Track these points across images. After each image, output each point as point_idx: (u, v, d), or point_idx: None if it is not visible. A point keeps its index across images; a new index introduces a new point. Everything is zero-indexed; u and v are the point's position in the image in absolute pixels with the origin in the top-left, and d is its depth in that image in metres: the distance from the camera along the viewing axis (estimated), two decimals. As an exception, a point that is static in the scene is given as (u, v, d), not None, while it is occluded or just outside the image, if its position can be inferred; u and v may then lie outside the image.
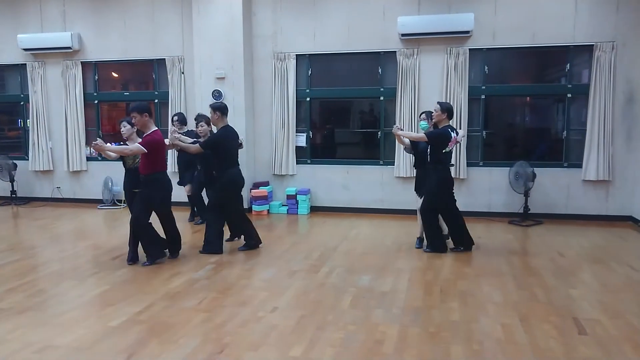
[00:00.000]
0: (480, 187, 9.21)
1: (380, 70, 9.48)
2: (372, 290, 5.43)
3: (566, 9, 8.62)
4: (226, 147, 6.74)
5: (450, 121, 6.78)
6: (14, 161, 10.85)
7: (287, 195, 9.77)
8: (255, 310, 4.88)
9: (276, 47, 9.74)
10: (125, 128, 6.29)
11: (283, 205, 9.83)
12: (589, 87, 8.66)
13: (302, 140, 9.92)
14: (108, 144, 6.40)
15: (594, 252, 7.01)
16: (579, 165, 8.82)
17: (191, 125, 8.60)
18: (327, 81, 9.93)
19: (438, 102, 6.82)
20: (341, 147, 10.43)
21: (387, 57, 9.41)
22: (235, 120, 8.98)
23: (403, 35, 9.03)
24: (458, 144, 7.12)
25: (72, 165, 10.84)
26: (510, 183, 8.73)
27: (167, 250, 6.65)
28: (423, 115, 7.12)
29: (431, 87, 9.12)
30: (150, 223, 6.33)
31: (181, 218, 8.53)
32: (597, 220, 8.75)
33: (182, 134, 8.10)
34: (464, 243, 6.93)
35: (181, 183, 8.73)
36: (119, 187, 10.29)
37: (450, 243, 7.05)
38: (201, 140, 7.07)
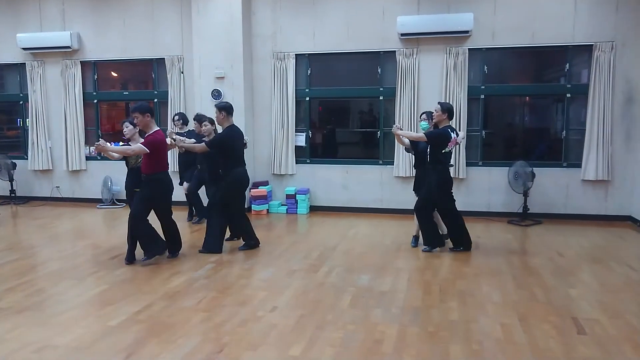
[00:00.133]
0: (480, 187, 9.21)
1: (379, 70, 9.47)
2: (371, 290, 5.43)
3: (566, 8, 8.62)
4: (232, 146, 6.74)
5: (450, 121, 6.78)
6: (13, 160, 10.84)
7: (286, 194, 9.77)
8: (255, 309, 4.88)
9: (276, 46, 9.74)
10: (127, 128, 6.30)
11: (282, 205, 9.83)
12: (588, 87, 8.66)
13: (301, 140, 9.91)
14: (110, 145, 6.41)
15: (593, 252, 7.02)
16: (578, 165, 8.82)
17: (191, 125, 8.61)
18: (326, 81, 9.94)
19: (439, 103, 6.82)
20: (341, 146, 10.43)
21: (386, 57, 9.41)
22: (235, 119, 8.86)
23: (402, 35, 9.03)
24: (457, 145, 7.10)
25: (71, 165, 10.83)
26: (509, 183, 8.73)
27: (168, 249, 6.65)
28: (423, 116, 7.12)
29: (430, 87, 9.12)
30: (148, 220, 6.33)
31: (181, 217, 8.55)
32: (596, 220, 8.75)
33: (183, 134, 8.12)
34: (464, 243, 6.93)
35: (182, 183, 8.73)
36: (118, 186, 10.29)
37: (449, 243, 7.04)
38: (205, 139, 7.08)
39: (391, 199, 9.51)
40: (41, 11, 10.66)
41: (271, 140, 9.88)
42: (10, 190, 10.81)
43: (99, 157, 10.60)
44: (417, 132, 7.83)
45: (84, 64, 10.69)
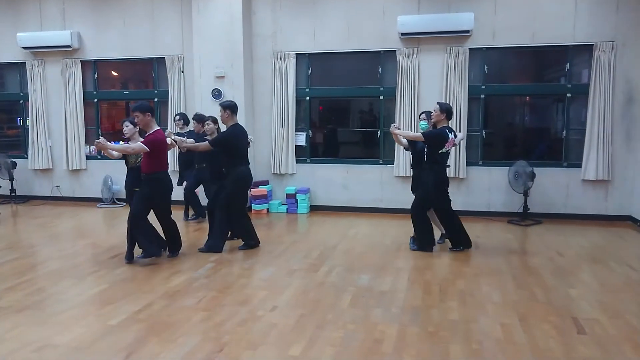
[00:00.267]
0: (480, 187, 9.21)
1: (380, 70, 9.47)
2: (371, 290, 5.43)
3: (566, 8, 8.62)
4: (236, 144, 6.74)
5: (450, 122, 6.77)
6: (14, 160, 10.84)
7: (286, 194, 9.77)
8: (255, 309, 4.88)
9: (276, 46, 9.74)
10: (127, 127, 6.30)
11: (282, 205, 9.83)
12: (588, 87, 8.66)
13: (301, 140, 9.92)
14: (110, 143, 6.40)
15: (593, 252, 7.02)
16: (579, 165, 8.82)
17: (191, 125, 8.60)
18: (327, 80, 9.94)
19: (438, 103, 6.80)
20: (341, 146, 10.43)
21: (386, 57, 9.41)
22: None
23: (403, 34, 9.03)
24: (456, 146, 7.08)
25: (71, 164, 10.83)
26: (509, 182, 8.73)
27: (168, 249, 6.65)
28: (423, 115, 7.11)
29: (431, 87, 9.12)
30: (147, 220, 6.34)
31: (180, 217, 8.56)
32: (596, 220, 8.75)
33: (183, 134, 8.12)
34: (463, 242, 6.93)
35: (180, 183, 8.72)
36: (118, 185, 10.29)
37: (448, 243, 7.04)
38: (208, 138, 7.08)
39: (391, 199, 9.51)
40: (41, 10, 10.66)
41: (271, 140, 9.88)
42: (10, 190, 10.81)
43: (99, 157, 10.61)
44: (416, 131, 7.82)
45: (84, 63, 10.69)
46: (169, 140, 6.58)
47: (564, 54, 8.86)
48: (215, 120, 7.21)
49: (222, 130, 7.12)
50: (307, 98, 9.87)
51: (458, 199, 9.22)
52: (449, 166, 6.99)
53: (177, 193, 7.98)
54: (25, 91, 11.04)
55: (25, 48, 10.65)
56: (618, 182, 8.75)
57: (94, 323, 4.57)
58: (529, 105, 9.91)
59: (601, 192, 8.83)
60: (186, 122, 8.77)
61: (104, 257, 6.71)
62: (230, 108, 6.78)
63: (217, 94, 9.48)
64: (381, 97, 9.55)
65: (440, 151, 6.55)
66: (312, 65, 9.77)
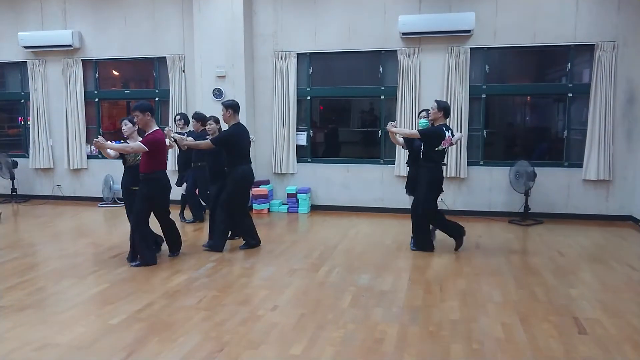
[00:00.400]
0: (481, 186, 9.20)
1: (381, 69, 9.47)
2: (371, 289, 5.43)
3: (567, 8, 8.61)
4: (238, 143, 6.73)
5: (448, 120, 6.74)
6: (15, 159, 10.84)
7: (287, 193, 9.77)
8: (255, 308, 4.88)
9: (277, 45, 9.73)
10: (126, 126, 6.28)
11: (283, 204, 9.83)
12: (589, 87, 8.65)
13: (302, 139, 9.91)
14: (109, 142, 6.39)
15: (594, 252, 7.02)
16: (580, 165, 8.82)
17: (191, 125, 8.59)
18: (328, 80, 9.93)
19: (435, 100, 6.76)
20: (342, 146, 10.43)
21: (387, 56, 9.40)
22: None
23: (404, 34, 9.03)
24: (453, 146, 7.06)
25: (72, 163, 10.84)
26: (510, 182, 8.72)
27: (169, 249, 6.63)
28: (423, 113, 7.09)
29: (432, 86, 9.11)
30: (149, 226, 6.33)
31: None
32: (597, 219, 8.75)
33: (184, 134, 8.11)
34: (455, 231, 6.86)
35: (180, 184, 8.70)
36: (119, 185, 10.25)
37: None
38: (210, 137, 7.08)
39: (392, 199, 9.51)
40: (42, 10, 10.67)
41: (272, 139, 9.88)
42: (11, 189, 10.81)
43: (100, 156, 10.60)
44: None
45: (85, 62, 10.70)
46: (168, 142, 6.57)
47: (565, 54, 8.85)
48: (217, 120, 7.21)
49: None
50: (308, 98, 9.86)
51: (459, 199, 9.28)
52: (445, 164, 6.93)
53: (175, 193, 7.98)
54: (27, 90, 11.05)
55: (26, 47, 10.66)
56: (619, 182, 8.74)
57: (95, 322, 4.57)
58: (530, 105, 9.90)
59: (602, 192, 8.83)
60: (187, 122, 8.77)
61: (104, 256, 6.71)
62: (232, 107, 6.79)
63: (218, 93, 9.48)
64: (382, 97, 9.55)
65: (436, 149, 6.53)
66: (313, 64, 9.77)
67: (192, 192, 8.57)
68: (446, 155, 6.89)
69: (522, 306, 4.95)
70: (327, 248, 7.13)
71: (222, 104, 6.93)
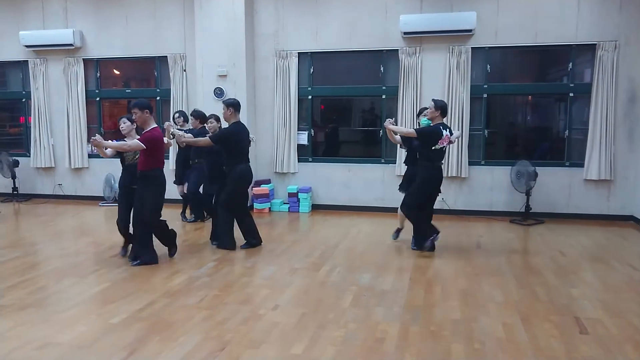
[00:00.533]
0: (482, 186, 9.20)
1: (382, 69, 9.47)
2: (372, 289, 5.43)
3: (569, 7, 8.60)
4: (237, 141, 6.73)
5: (448, 119, 6.72)
6: (16, 158, 10.85)
7: (288, 193, 9.77)
8: (257, 308, 4.88)
9: (278, 45, 9.73)
10: (125, 124, 6.23)
11: (284, 203, 9.83)
12: (591, 86, 8.64)
13: (303, 139, 9.91)
14: (108, 141, 6.36)
15: (595, 252, 7.01)
16: (581, 165, 8.81)
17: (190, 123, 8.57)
18: (329, 79, 9.93)
19: (432, 99, 6.74)
20: (343, 145, 10.43)
21: (389, 56, 9.40)
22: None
23: (405, 33, 9.02)
24: (452, 144, 7.03)
25: (73, 163, 10.85)
26: (511, 182, 8.72)
27: (168, 250, 6.61)
28: (425, 112, 7.06)
29: (433, 86, 9.10)
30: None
31: (175, 216, 8.59)
32: (598, 219, 8.74)
33: (183, 132, 8.08)
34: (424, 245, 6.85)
35: (179, 182, 8.65)
36: (120, 184, 10.28)
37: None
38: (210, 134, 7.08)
39: (393, 198, 9.44)
40: (44, 9, 10.67)
41: (273, 139, 9.88)
42: (12, 188, 10.82)
43: (100, 155, 10.59)
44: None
45: (86, 61, 10.70)
46: (166, 139, 6.54)
47: (566, 53, 8.85)
48: (217, 119, 7.21)
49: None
50: (309, 97, 9.86)
51: (460, 199, 9.28)
52: (442, 163, 6.84)
53: (172, 192, 7.97)
54: (28, 89, 11.05)
55: (27, 46, 10.66)
56: (620, 181, 8.73)
57: (96, 321, 4.57)
58: (531, 104, 9.90)
59: (603, 191, 8.82)
60: (186, 120, 8.74)
61: (105, 255, 6.71)
62: (233, 106, 6.79)
63: (219, 92, 9.48)
64: (383, 97, 9.55)
65: (433, 148, 6.51)
66: (315, 64, 9.77)
67: (193, 191, 8.45)
68: (445, 154, 6.84)
69: (523, 306, 4.94)
70: (328, 247, 7.13)
71: (223, 102, 6.94)
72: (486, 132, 9.21)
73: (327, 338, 4.22)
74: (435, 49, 9.10)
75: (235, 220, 7.02)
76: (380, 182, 9.57)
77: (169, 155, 9.92)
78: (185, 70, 10.07)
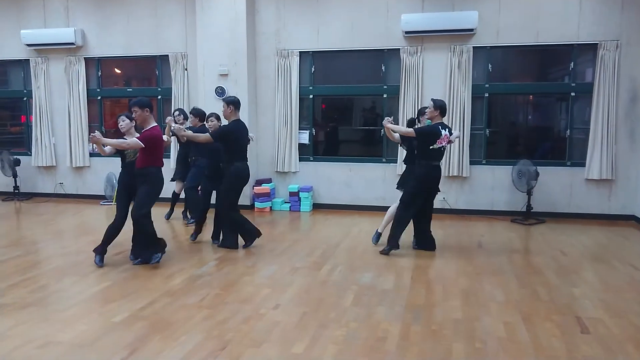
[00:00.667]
0: (483, 185, 9.19)
1: (383, 68, 9.46)
2: (374, 288, 5.43)
3: (570, 7, 8.59)
4: (236, 139, 6.72)
5: (447, 119, 6.70)
6: (17, 157, 10.86)
7: (289, 192, 9.77)
8: (258, 307, 4.88)
9: (279, 44, 9.73)
10: (124, 122, 6.19)
11: (285, 203, 9.83)
12: (592, 86, 8.64)
13: (304, 138, 9.91)
14: (107, 138, 6.34)
15: (596, 251, 7.01)
16: (582, 164, 8.80)
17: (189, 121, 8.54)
18: (330, 78, 9.92)
19: (432, 99, 6.73)
20: (344, 144, 10.43)
21: (390, 55, 9.39)
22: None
23: (407, 32, 9.02)
24: (451, 144, 7.01)
25: (74, 161, 10.86)
26: (513, 181, 8.71)
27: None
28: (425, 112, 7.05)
29: (434, 85, 9.09)
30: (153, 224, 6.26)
31: (175, 216, 8.63)
32: (599, 219, 8.73)
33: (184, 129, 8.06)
34: (425, 245, 6.88)
35: (180, 178, 8.59)
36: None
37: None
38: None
39: (394, 197, 9.33)
40: (45, 7, 10.68)
41: (274, 138, 9.88)
42: (13, 187, 10.83)
43: (100, 153, 10.59)
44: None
45: (87, 60, 10.71)
46: (165, 138, 6.53)
47: (568, 53, 8.84)
48: (218, 117, 7.19)
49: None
50: (311, 96, 9.86)
51: (461, 198, 9.27)
52: (440, 163, 6.80)
53: (169, 191, 7.93)
54: (29, 88, 11.06)
55: (29, 45, 10.66)
56: (622, 181, 8.73)
57: (97, 320, 4.57)
58: (532, 104, 9.89)
59: (605, 191, 8.81)
60: (185, 118, 8.70)
61: (106, 254, 6.68)
62: (233, 104, 6.79)
63: (220, 91, 9.48)
64: (384, 96, 9.54)
65: (431, 147, 6.50)
66: (316, 63, 9.77)
67: (190, 186, 8.15)
68: (445, 153, 6.82)
69: (525, 305, 4.94)
70: (329, 247, 7.13)
71: (223, 99, 6.95)
72: (487, 131, 9.20)
73: (329, 337, 4.22)
74: (436, 48, 9.09)
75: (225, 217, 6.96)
76: (381, 181, 9.57)
77: (170, 154, 9.94)
78: (186, 69, 10.07)
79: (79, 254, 6.75)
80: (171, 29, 10.13)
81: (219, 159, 6.96)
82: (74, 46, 10.46)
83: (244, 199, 8.89)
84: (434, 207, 7.08)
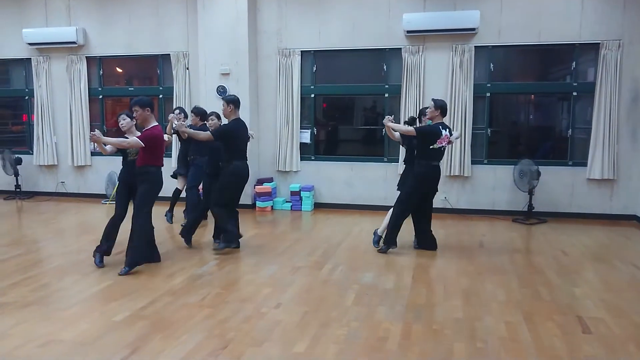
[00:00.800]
0: (485, 185, 9.19)
1: (385, 67, 9.46)
2: (375, 288, 5.43)
3: (572, 6, 8.58)
4: (237, 138, 6.72)
5: (448, 118, 6.69)
6: (19, 155, 10.87)
7: (291, 191, 9.77)
8: (259, 306, 4.89)
9: (281, 43, 9.73)
10: (124, 121, 6.16)
11: (287, 202, 9.83)
12: (594, 86, 8.62)
13: (306, 137, 9.91)
14: (107, 137, 6.32)
15: (597, 251, 7.00)
16: (584, 164, 8.79)
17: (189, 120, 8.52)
18: (331, 78, 9.92)
19: (432, 99, 6.73)
20: (345, 144, 10.43)
21: (392, 54, 9.39)
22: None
23: (408, 32, 9.01)
24: (451, 144, 7.00)
25: (76, 160, 10.87)
26: (514, 181, 8.71)
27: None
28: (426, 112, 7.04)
29: (436, 85, 9.09)
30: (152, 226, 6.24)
31: (175, 215, 8.56)
32: (601, 219, 8.72)
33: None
34: (426, 244, 6.88)
35: (183, 174, 8.56)
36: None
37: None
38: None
39: (395, 197, 9.43)
40: (47, 6, 10.68)
41: (276, 137, 9.87)
42: (15, 185, 10.84)
43: (101, 152, 10.59)
44: None
45: (89, 59, 10.71)
46: (166, 137, 6.51)
47: (570, 52, 8.83)
48: (218, 116, 7.18)
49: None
50: (312, 95, 9.85)
51: (463, 197, 9.27)
52: (439, 163, 6.79)
53: (169, 190, 7.91)
54: (31, 87, 11.07)
55: (30, 44, 10.66)
56: (623, 181, 8.71)
57: (98, 319, 4.58)
58: (534, 103, 9.87)
59: (606, 191, 8.80)
60: (186, 116, 8.69)
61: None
62: (233, 102, 6.77)
63: (222, 91, 9.48)
64: (386, 95, 9.54)
65: (431, 147, 6.49)
66: (317, 62, 9.76)
67: (191, 186, 8.06)
68: (446, 153, 6.81)
69: (526, 305, 4.94)
70: (330, 246, 7.13)
71: (223, 98, 6.93)
72: (489, 131, 9.20)
73: (330, 336, 4.22)
74: (438, 47, 9.09)
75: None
76: (382, 180, 9.56)
77: (171, 153, 9.94)
78: (188, 68, 10.07)
79: (80, 252, 6.74)
80: (173, 28, 10.13)
81: (219, 158, 6.95)
82: (76, 45, 10.46)
83: (245, 198, 8.92)
84: (435, 206, 7.09)
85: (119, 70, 11.28)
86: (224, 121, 7.05)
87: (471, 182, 9.22)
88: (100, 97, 10.88)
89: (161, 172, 6.16)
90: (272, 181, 9.94)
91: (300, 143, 9.88)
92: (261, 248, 7.00)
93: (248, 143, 7.01)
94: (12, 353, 3.94)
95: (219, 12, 9.39)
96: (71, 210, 9.79)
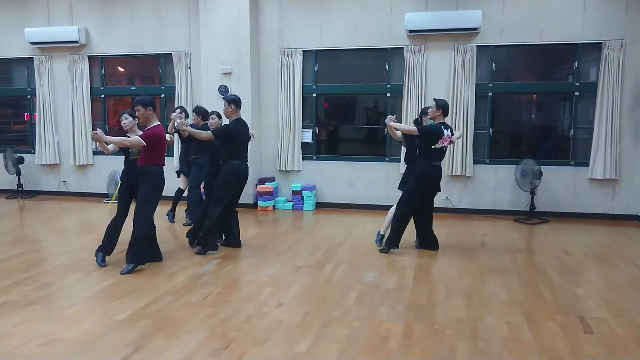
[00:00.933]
0: (487, 185, 9.18)
1: (387, 67, 9.45)
2: (376, 287, 5.43)
3: (574, 6, 8.57)
4: (238, 138, 6.71)
5: (450, 118, 6.67)
6: (21, 154, 10.88)
7: (292, 191, 9.77)
8: (261, 305, 4.89)
9: (283, 42, 9.73)
10: (127, 120, 6.15)
11: (288, 201, 9.83)
12: (596, 85, 8.61)
13: (307, 137, 9.91)
14: (109, 136, 6.32)
15: (599, 251, 6.99)
16: (586, 164, 8.78)
17: (191, 118, 8.52)
18: (333, 77, 9.92)
19: (434, 99, 6.72)
20: (347, 143, 10.43)
21: (394, 54, 9.39)
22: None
23: (410, 31, 9.01)
24: (452, 144, 6.99)
25: (78, 159, 10.87)
26: (516, 181, 8.70)
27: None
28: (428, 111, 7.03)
29: (438, 84, 9.08)
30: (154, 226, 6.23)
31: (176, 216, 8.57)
32: (603, 219, 8.71)
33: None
34: (428, 244, 6.88)
35: (181, 171, 8.53)
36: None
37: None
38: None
39: (397, 196, 9.35)
40: (49, 6, 10.69)
41: (278, 137, 9.88)
42: (17, 184, 10.85)
43: (103, 151, 10.59)
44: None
45: (91, 58, 10.72)
46: (168, 137, 6.51)
47: (572, 52, 8.82)
48: (219, 115, 7.18)
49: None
50: (314, 95, 9.86)
51: (464, 197, 9.27)
52: (441, 163, 6.77)
53: (171, 190, 7.91)
54: (33, 86, 11.08)
55: (32, 43, 10.67)
56: (625, 181, 8.70)
57: (100, 318, 4.58)
58: (536, 103, 9.87)
59: (608, 191, 8.79)
60: (187, 115, 8.67)
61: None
62: (234, 102, 6.76)
63: (223, 90, 9.48)
64: (388, 95, 9.53)
65: (433, 146, 6.48)
66: (319, 62, 9.76)
67: (192, 186, 8.10)
68: (447, 153, 6.80)
69: (528, 305, 4.94)
70: (332, 245, 7.13)
71: (224, 98, 6.92)
72: (491, 130, 9.19)
73: (331, 336, 4.22)
74: (440, 47, 9.08)
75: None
76: (384, 180, 9.56)
77: (173, 153, 9.95)
78: (189, 68, 10.08)
79: (82, 252, 6.75)
80: (175, 27, 10.13)
81: (220, 157, 6.95)
82: (78, 44, 10.48)
83: (247, 197, 8.94)
84: (437, 206, 7.09)
85: (121, 69, 11.30)
86: (225, 121, 7.05)
87: (473, 181, 9.21)
88: (102, 96, 10.89)
89: (163, 171, 6.14)
90: (274, 181, 9.94)
91: (302, 142, 9.88)
92: (263, 247, 7.01)
93: (249, 143, 7.01)
94: (14, 352, 3.95)
95: (220, 11, 9.40)
96: (73, 210, 9.80)
